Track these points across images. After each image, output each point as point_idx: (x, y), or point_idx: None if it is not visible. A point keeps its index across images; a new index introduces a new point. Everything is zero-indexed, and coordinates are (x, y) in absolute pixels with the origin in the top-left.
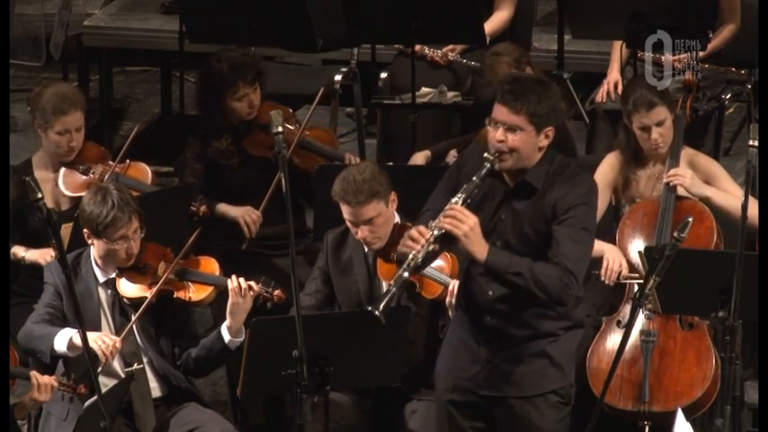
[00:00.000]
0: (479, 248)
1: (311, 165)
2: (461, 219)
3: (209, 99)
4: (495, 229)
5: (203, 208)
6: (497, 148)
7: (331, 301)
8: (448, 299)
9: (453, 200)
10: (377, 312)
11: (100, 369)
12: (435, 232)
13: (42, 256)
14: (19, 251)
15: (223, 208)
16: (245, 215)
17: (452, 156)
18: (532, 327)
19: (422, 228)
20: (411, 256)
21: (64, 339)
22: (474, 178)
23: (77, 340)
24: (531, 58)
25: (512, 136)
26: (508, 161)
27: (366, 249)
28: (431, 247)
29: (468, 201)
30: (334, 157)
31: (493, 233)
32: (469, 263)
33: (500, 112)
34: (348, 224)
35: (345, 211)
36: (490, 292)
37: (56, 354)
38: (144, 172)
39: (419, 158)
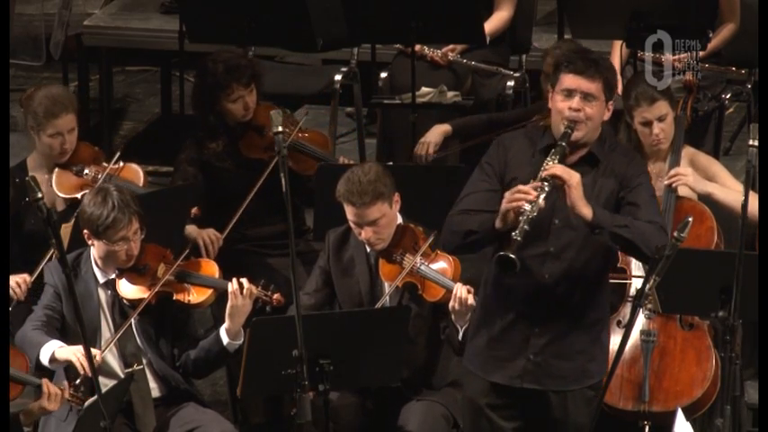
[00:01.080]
0: (585, 203)
1: (304, 167)
2: (569, 171)
3: (205, 100)
4: (553, 206)
5: (194, 210)
6: (574, 118)
7: (331, 300)
8: (451, 303)
9: (547, 160)
10: (511, 255)
11: (79, 381)
12: (547, 188)
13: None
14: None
15: (188, 229)
16: (204, 236)
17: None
18: (584, 310)
19: (526, 186)
20: (529, 207)
21: (47, 353)
22: (561, 143)
23: (59, 355)
24: None
25: (588, 105)
26: (582, 130)
27: (368, 250)
28: (541, 201)
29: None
30: (327, 159)
31: (552, 211)
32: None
33: (576, 80)
34: (352, 225)
35: (349, 211)
36: (547, 275)
37: (40, 365)
38: (136, 174)
39: (436, 135)
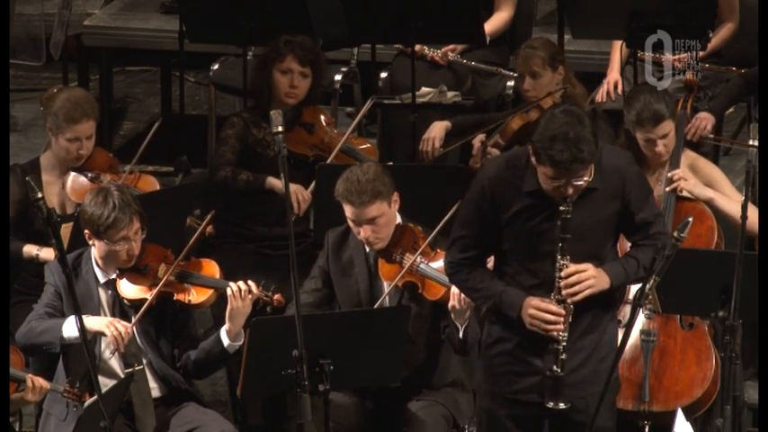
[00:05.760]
0: (605, 284)
1: None
2: (584, 278)
3: (259, 67)
4: (561, 225)
5: (209, 228)
6: (567, 197)
7: (329, 300)
8: (451, 302)
9: (558, 265)
10: (561, 405)
11: (111, 356)
12: (571, 306)
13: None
14: (32, 249)
15: (273, 181)
16: (297, 192)
17: (479, 140)
18: (591, 318)
19: (552, 307)
20: (561, 338)
21: (74, 325)
22: (562, 236)
23: (89, 324)
24: (565, 57)
25: (580, 182)
26: (577, 192)
27: (367, 250)
28: (570, 318)
29: (568, 257)
30: None
31: (554, 232)
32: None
33: (567, 174)
34: (350, 224)
35: (348, 210)
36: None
37: (65, 342)
38: (153, 185)
39: (439, 129)
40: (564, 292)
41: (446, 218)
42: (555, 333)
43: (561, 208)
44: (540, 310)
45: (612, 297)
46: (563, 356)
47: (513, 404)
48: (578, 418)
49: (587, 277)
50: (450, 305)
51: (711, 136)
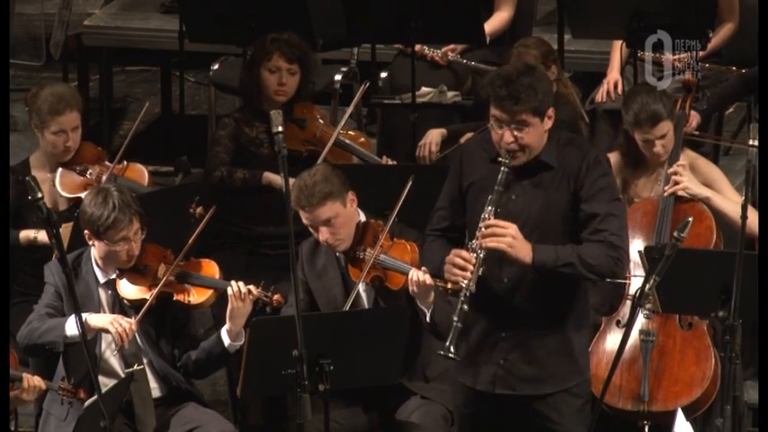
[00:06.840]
0: (525, 252)
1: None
2: (501, 232)
3: (248, 67)
4: (507, 210)
5: (200, 210)
6: (509, 149)
7: (313, 309)
8: (410, 288)
9: (483, 215)
10: (450, 354)
11: (116, 352)
12: (481, 254)
13: None
14: (29, 234)
15: (270, 176)
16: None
17: (468, 138)
18: (551, 312)
19: (464, 253)
20: (464, 285)
21: (76, 323)
22: (497, 188)
23: (92, 321)
24: (557, 57)
25: (520, 134)
26: (522, 157)
27: (338, 254)
28: (480, 271)
29: (498, 210)
30: (370, 159)
31: (507, 216)
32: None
33: (503, 113)
34: (310, 229)
35: (303, 216)
36: (505, 279)
37: (69, 340)
38: (141, 173)
39: (435, 135)
40: (478, 240)
41: (398, 206)
42: (459, 279)
43: (500, 159)
44: (454, 254)
45: (574, 302)
46: (465, 307)
47: (476, 396)
48: (543, 423)
49: (505, 234)
50: (410, 291)
51: (696, 133)
